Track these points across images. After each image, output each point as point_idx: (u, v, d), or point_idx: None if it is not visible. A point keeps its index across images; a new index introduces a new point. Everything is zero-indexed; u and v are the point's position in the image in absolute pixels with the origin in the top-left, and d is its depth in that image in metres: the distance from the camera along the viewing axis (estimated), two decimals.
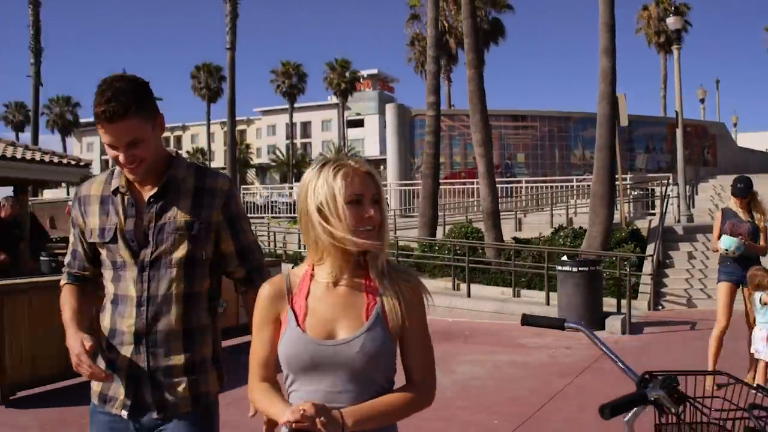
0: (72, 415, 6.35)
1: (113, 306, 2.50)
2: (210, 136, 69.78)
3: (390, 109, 30.65)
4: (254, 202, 31.92)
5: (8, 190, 17.04)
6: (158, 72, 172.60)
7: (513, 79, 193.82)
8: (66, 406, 6.79)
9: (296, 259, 17.89)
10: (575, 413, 6.60)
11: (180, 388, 2.46)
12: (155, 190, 2.48)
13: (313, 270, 2.07)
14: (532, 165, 30.39)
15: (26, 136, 48.66)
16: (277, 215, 27.86)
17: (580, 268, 11.46)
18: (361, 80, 78.01)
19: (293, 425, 1.79)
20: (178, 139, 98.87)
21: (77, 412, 5.68)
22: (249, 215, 26.48)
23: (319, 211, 1.97)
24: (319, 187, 1.98)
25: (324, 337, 1.98)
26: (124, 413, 2.46)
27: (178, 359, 2.46)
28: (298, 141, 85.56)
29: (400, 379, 2.10)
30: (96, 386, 2.53)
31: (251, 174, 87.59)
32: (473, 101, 17.26)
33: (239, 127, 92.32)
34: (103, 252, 2.52)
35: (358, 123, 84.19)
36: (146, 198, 2.48)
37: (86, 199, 2.59)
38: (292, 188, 38.08)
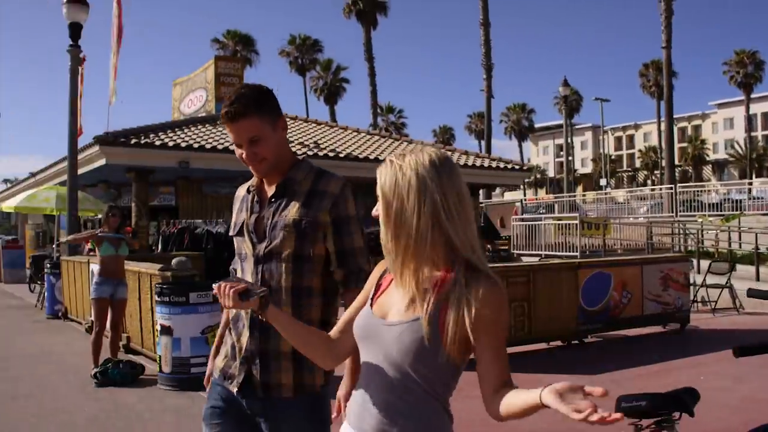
0: None
1: None
2: (661, 133, 68.56)
3: None
4: (703, 201, 30.39)
5: None
6: (603, 73, 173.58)
7: None
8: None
9: (730, 258, 17.45)
10: None
11: (285, 374, 2.62)
12: (274, 189, 2.72)
13: None
14: None
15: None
16: (721, 213, 26.84)
17: None
18: None
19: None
20: (630, 138, 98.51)
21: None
22: (697, 213, 26.30)
23: None
24: None
25: (379, 315, 2.06)
26: (235, 390, 2.66)
27: (286, 347, 2.58)
28: (759, 133, 79.75)
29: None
30: (219, 362, 2.78)
31: (707, 171, 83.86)
32: None
33: (693, 123, 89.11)
34: (236, 244, 2.82)
35: None
36: (268, 196, 2.73)
37: (236, 199, 2.92)
38: (751, 184, 36.18)
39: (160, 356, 7.67)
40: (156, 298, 7.74)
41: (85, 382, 7.85)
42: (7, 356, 9.70)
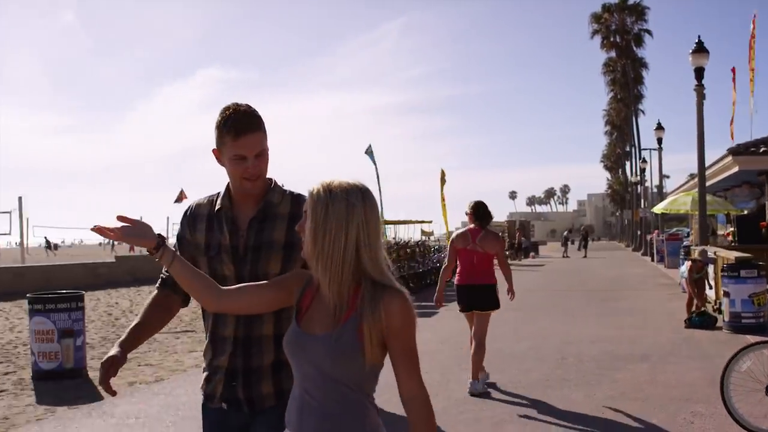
0: None
1: (214, 315, 2.74)
2: None
3: None
4: None
5: None
6: None
7: None
8: None
9: None
10: None
11: (267, 386, 2.70)
12: (254, 212, 2.71)
13: None
14: None
15: None
16: None
17: None
18: None
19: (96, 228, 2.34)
20: None
21: None
22: None
23: None
24: None
25: (307, 331, 2.21)
26: (224, 405, 2.74)
27: (268, 360, 2.69)
28: None
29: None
30: (204, 387, 2.83)
31: None
32: None
33: None
34: (204, 265, 2.72)
35: None
36: (247, 219, 2.72)
37: (194, 217, 2.83)
38: None
39: (723, 310, 12.04)
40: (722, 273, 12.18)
41: (678, 324, 12.56)
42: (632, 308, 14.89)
